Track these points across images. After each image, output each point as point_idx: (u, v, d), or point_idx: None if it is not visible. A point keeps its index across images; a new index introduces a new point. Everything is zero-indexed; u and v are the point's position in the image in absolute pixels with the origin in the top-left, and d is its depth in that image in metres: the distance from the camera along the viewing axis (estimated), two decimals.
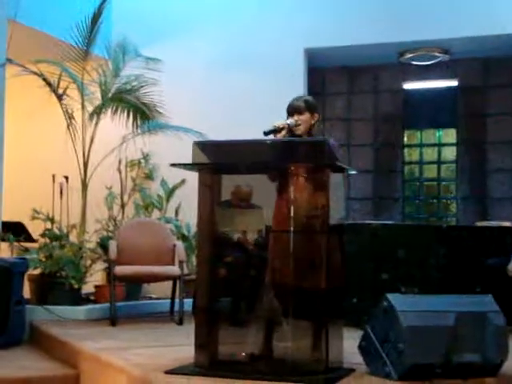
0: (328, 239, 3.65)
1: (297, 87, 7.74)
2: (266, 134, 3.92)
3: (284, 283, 3.67)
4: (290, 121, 3.99)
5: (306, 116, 4.03)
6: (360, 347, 3.76)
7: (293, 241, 3.64)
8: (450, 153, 8.91)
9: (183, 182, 7.52)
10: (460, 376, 3.50)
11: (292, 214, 3.64)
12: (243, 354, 3.76)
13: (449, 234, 6.04)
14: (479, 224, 6.86)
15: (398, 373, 3.47)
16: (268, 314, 3.80)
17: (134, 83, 7.19)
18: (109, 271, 6.23)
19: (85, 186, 6.94)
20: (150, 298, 7.31)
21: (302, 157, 3.75)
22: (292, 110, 4.04)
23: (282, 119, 4.05)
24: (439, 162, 8.95)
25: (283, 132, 3.97)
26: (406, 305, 3.57)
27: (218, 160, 3.91)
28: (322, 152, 3.64)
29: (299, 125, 4.00)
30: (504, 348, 3.61)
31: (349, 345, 3.84)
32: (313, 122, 4.07)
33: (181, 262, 6.20)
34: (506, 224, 6.64)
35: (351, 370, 3.70)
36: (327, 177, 3.66)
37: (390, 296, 3.63)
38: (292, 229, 3.64)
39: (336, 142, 4.02)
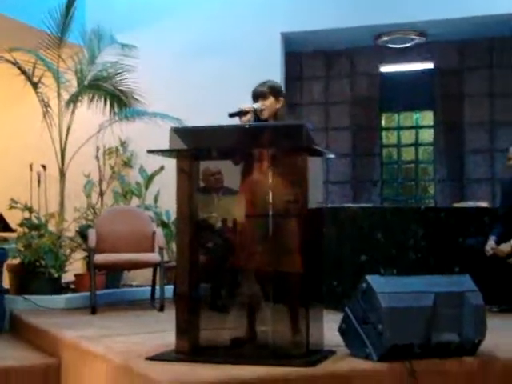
0: (305, 223, 3.65)
1: (274, 72, 7.73)
2: (231, 115, 3.95)
3: (255, 268, 3.71)
4: (257, 105, 4.01)
5: (270, 101, 4.05)
6: (340, 329, 3.79)
7: (266, 225, 3.66)
8: (427, 135, 8.96)
9: (162, 168, 7.49)
10: (439, 355, 3.55)
11: (269, 199, 3.66)
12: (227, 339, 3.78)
13: (427, 215, 6.08)
14: (457, 205, 6.92)
15: (378, 354, 3.50)
16: (247, 299, 3.81)
17: (110, 70, 7.15)
18: (88, 260, 6.21)
19: (63, 174, 6.91)
20: (131, 286, 7.29)
21: (281, 141, 3.75)
22: (256, 95, 4.06)
23: (249, 103, 4.06)
24: (417, 145, 8.99)
25: (248, 115, 3.98)
26: (384, 286, 3.60)
27: (195, 146, 3.90)
28: (299, 136, 3.64)
29: (264, 109, 4.01)
30: (482, 327, 3.65)
31: (329, 327, 3.86)
32: (278, 106, 4.08)
33: (161, 249, 6.19)
34: (484, 205, 6.71)
35: (332, 352, 3.72)
36: (305, 161, 3.66)
37: (369, 278, 3.65)
38: (270, 213, 3.66)
39: (311, 126, 4.04)
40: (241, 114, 3.96)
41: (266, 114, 4.03)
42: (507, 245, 5.54)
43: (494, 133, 8.44)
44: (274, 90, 4.08)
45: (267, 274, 3.69)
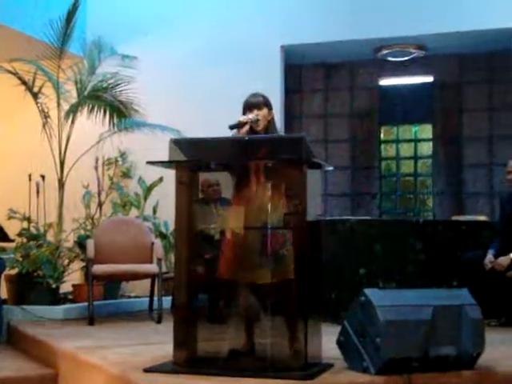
0: (303, 235, 3.65)
1: (273, 84, 7.78)
2: (231, 127, 3.94)
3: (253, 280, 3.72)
4: (253, 116, 3.99)
5: (264, 112, 4.03)
6: (338, 342, 3.78)
7: (265, 237, 3.68)
8: (426, 148, 8.98)
9: (161, 179, 7.49)
10: (437, 369, 3.53)
11: (267, 211, 3.67)
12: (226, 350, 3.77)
13: (425, 228, 6.09)
14: (455, 218, 6.93)
15: (376, 367, 3.49)
16: (245, 311, 3.81)
17: (110, 81, 7.16)
18: (86, 270, 6.20)
19: (61, 184, 6.90)
20: (129, 297, 7.28)
21: (280, 153, 3.75)
22: (251, 106, 4.03)
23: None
24: (416, 158, 9.01)
25: (246, 127, 3.97)
26: (383, 299, 3.59)
27: (194, 157, 3.90)
28: (299, 148, 3.64)
29: (259, 120, 4.01)
30: (480, 341, 3.64)
31: (327, 340, 3.85)
32: (269, 118, 4.08)
33: (159, 260, 6.18)
34: (482, 218, 6.72)
35: (330, 366, 3.71)
36: (304, 173, 3.67)
37: (367, 291, 3.64)
38: (269, 225, 3.66)
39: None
40: (239, 125, 3.97)
41: (260, 126, 4.03)
42: (506, 258, 5.54)
43: (493, 147, 8.45)
44: (267, 102, 4.08)
45: (265, 287, 3.69)
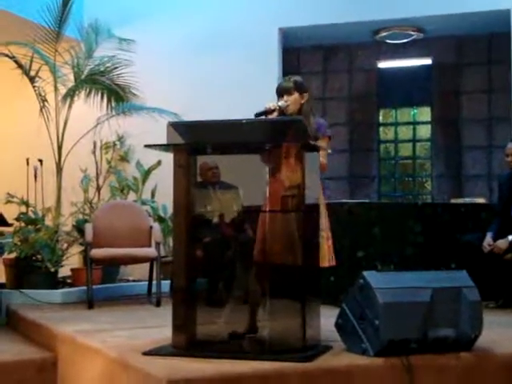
0: (302, 218, 3.66)
1: (271, 67, 7.74)
2: (256, 115, 3.94)
3: (281, 262, 3.70)
4: (281, 103, 4.03)
5: (294, 96, 4.06)
6: (337, 325, 3.79)
7: (288, 220, 3.67)
8: (424, 131, 8.96)
9: (159, 163, 7.47)
10: (435, 351, 3.55)
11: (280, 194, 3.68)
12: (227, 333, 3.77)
13: (424, 211, 6.09)
14: (454, 201, 6.92)
15: (375, 349, 3.50)
16: (255, 293, 3.80)
17: (108, 64, 7.13)
18: (85, 254, 6.20)
19: (59, 169, 6.89)
20: (127, 281, 7.29)
21: (276, 136, 3.74)
22: (281, 91, 4.07)
23: (271, 100, 4.07)
24: (414, 140, 8.99)
25: (275, 113, 3.99)
26: (381, 282, 3.60)
27: (192, 140, 3.89)
28: (295, 131, 3.63)
29: (288, 105, 4.01)
30: (478, 323, 3.65)
31: (326, 323, 3.86)
32: (302, 101, 4.09)
33: (157, 244, 6.19)
34: (481, 201, 6.72)
35: (328, 348, 3.72)
36: (302, 156, 3.65)
37: (366, 273, 3.65)
38: (267, 208, 3.66)
39: (325, 122, 4.19)
40: (266, 112, 3.97)
41: (290, 110, 4.04)
42: (504, 241, 5.54)
43: (492, 129, 8.43)
44: (298, 86, 4.09)
45: (265, 269, 3.69)
